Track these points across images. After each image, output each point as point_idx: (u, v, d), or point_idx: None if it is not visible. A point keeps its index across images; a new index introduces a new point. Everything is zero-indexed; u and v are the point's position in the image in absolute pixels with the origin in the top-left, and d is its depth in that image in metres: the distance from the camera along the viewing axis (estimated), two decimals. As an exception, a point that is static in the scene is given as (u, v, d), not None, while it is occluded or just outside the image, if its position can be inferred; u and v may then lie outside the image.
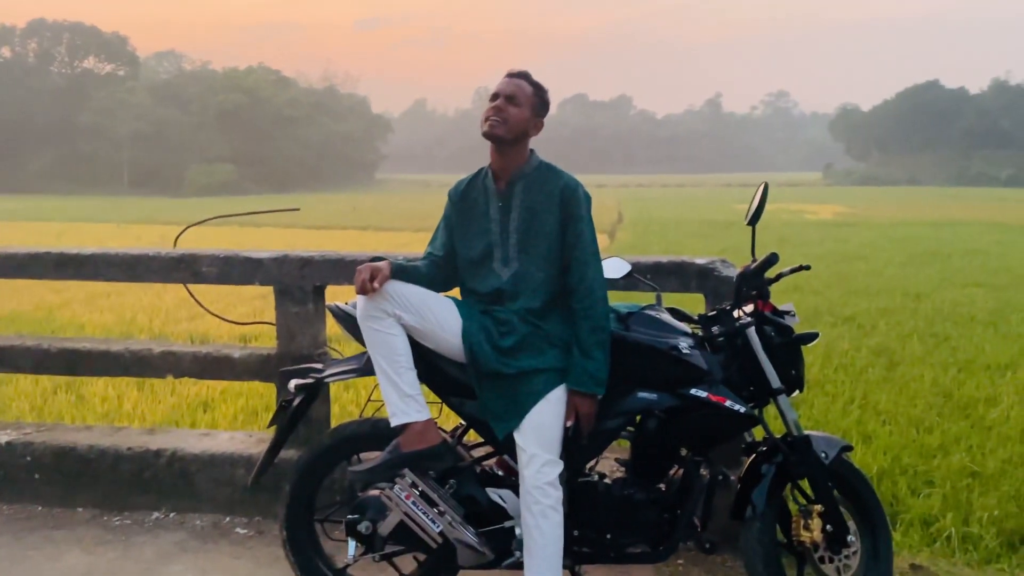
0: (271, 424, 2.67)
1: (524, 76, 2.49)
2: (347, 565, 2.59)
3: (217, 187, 62.74)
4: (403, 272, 2.43)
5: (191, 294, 3.47)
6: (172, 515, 3.38)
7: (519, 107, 2.42)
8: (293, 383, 2.57)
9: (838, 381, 6.18)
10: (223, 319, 3.73)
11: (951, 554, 3.43)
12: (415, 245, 18.29)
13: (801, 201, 42.38)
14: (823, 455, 2.53)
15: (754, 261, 2.60)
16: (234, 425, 5.06)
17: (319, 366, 2.68)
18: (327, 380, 2.58)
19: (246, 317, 8.59)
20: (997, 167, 76.66)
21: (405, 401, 2.36)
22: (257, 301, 10.39)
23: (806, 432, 2.55)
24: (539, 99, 2.48)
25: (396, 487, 2.43)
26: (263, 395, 5.70)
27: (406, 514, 2.42)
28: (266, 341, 6.40)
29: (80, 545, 3.14)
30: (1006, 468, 4.29)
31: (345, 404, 5.41)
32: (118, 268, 3.43)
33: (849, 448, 2.63)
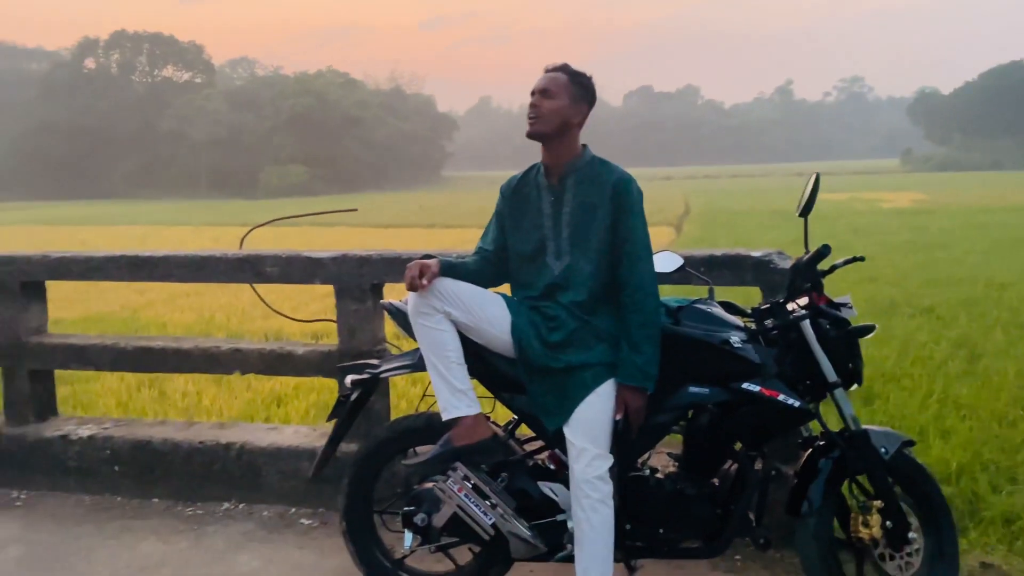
0: (331, 418, 2.75)
1: (560, 68, 2.49)
2: (404, 556, 2.66)
3: (289, 188, 64.41)
4: (452, 269, 2.48)
5: (256, 293, 3.59)
6: (241, 506, 3.52)
7: (553, 99, 2.43)
8: (349, 378, 2.64)
9: (915, 375, 5.95)
10: (286, 316, 3.85)
11: (1032, 554, 3.28)
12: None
13: (877, 189, 41.03)
14: (883, 450, 2.47)
15: (806, 253, 2.56)
16: (305, 420, 5.21)
17: (376, 362, 2.74)
18: (382, 375, 2.65)
19: (316, 315, 8.84)
20: (1090, 149, 72.65)
21: (456, 396, 2.40)
22: (328, 299, 10.64)
23: (864, 427, 2.50)
24: (578, 86, 2.47)
25: (449, 480, 2.48)
26: (334, 391, 5.82)
27: (459, 506, 2.46)
28: (334, 339, 6.59)
29: (156, 534, 3.29)
30: None
31: (413, 400, 5.50)
32: (187, 269, 3.58)
33: (911, 443, 2.56)
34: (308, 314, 9.50)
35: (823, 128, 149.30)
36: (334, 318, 3.55)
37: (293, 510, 3.46)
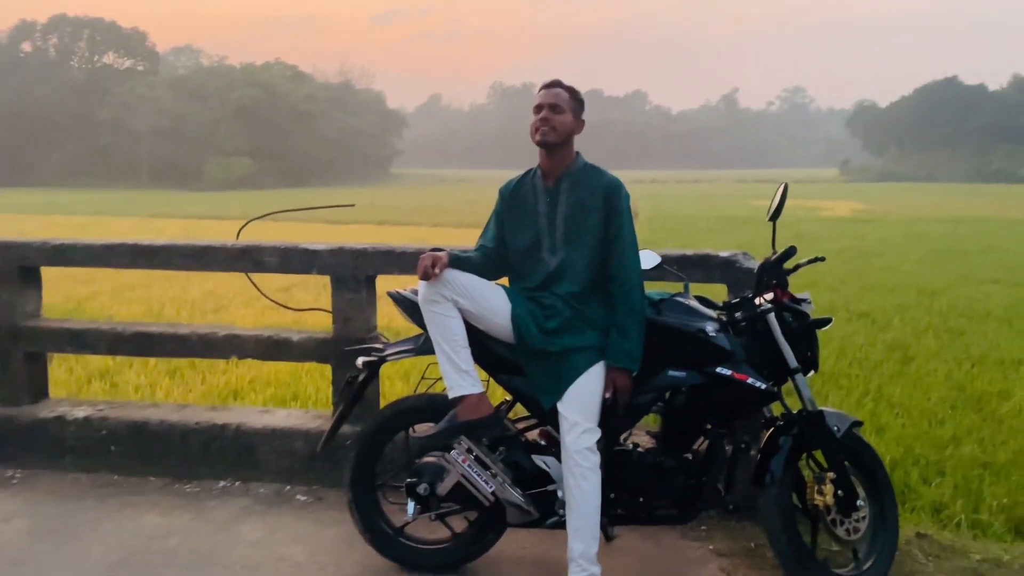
0: (338, 399, 2.97)
1: (558, 84, 2.79)
2: (406, 523, 2.90)
3: (235, 181, 63.38)
4: (459, 261, 2.73)
5: (253, 283, 3.76)
6: (237, 483, 3.69)
7: (563, 113, 2.72)
8: (360, 360, 2.86)
9: (852, 375, 6.32)
10: (281, 305, 4.02)
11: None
12: (433, 240, 18.51)
13: (817, 198, 42.28)
14: (835, 428, 2.81)
15: (774, 253, 2.88)
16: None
17: (380, 346, 2.97)
18: (389, 358, 2.88)
19: (272, 306, 8.92)
20: (1016, 163, 76.08)
21: (461, 376, 2.66)
22: (279, 294, 10.74)
23: (820, 408, 2.83)
24: (576, 101, 2.79)
25: (453, 452, 2.74)
26: (290, 385, 5.99)
27: (463, 476, 2.72)
28: (290, 325, 6.70)
29: (157, 509, 3.45)
30: (1017, 459, 4.42)
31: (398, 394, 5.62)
32: (188, 258, 3.74)
33: (859, 423, 2.91)
34: (260, 307, 9.63)
35: (766, 136, 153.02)
36: (327, 307, 3.75)
37: (288, 487, 3.65)
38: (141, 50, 79.94)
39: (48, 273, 4.06)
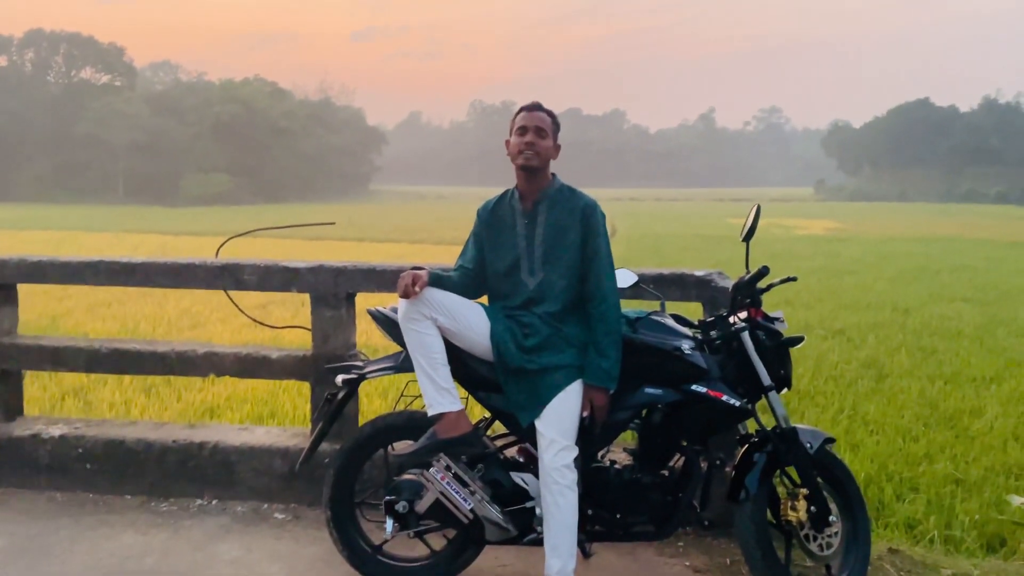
0: (318, 416, 2.97)
1: (540, 108, 2.83)
2: (384, 541, 2.90)
3: (212, 197, 62.99)
4: (439, 280, 2.76)
5: (232, 300, 3.76)
6: (214, 502, 3.67)
7: (546, 138, 2.77)
8: (340, 378, 2.87)
9: (828, 392, 6.43)
10: (260, 323, 4.02)
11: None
12: (412, 257, 18.54)
13: (793, 216, 42.87)
14: (808, 445, 2.86)
15: (748, 273, 2.94)
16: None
17: (360, 363, 2.98)
18: (368, 376, 2.89)
19: (250, 323, 8.90)
20: (986, 184, 77.63)
21: (440, 393, 2.68)
22: (257, 310, 10.70)
23: (793, 425, 2.88)
24: (555, 125, 2.84)
25: (432, 469, 2.75)
26: (267, 402, 5.98)
27: (441, 493, 2.73)
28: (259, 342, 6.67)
29: (133, 527, 3.42)
30: (988, 476, 4.53)
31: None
32: (166, 275, 3.73)
33: (832, 440, 2.96)
34: (244, 321, 9.58)
35: (743, 156, 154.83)
36: (306, 325, 3.75)
37: (266, 505, 3.63)
38: (119, 65, 79.38)
39: (21, 289, 4.04)
